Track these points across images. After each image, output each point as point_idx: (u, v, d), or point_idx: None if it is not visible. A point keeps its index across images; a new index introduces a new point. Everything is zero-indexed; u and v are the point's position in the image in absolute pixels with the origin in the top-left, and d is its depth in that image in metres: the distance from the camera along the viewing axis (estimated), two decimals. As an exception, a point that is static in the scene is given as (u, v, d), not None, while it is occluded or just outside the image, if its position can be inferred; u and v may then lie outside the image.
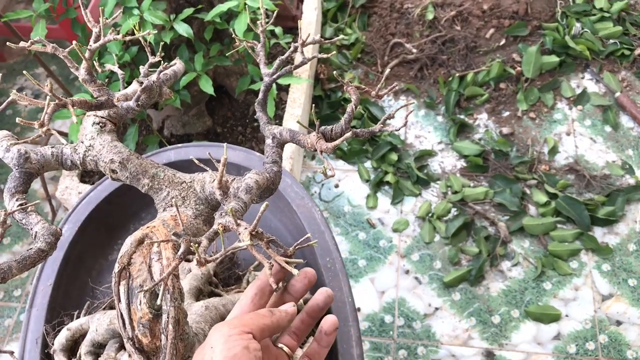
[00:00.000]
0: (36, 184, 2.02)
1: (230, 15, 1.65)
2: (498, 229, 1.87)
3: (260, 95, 0.91)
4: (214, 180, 0.87)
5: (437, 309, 1.76)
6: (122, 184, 1.32)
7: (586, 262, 1.81)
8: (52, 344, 1.07)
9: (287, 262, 0.69)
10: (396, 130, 1.09)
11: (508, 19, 2.25)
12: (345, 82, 0.83)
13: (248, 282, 1.12)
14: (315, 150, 0.84)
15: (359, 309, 1.77)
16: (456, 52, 2.21)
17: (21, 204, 0.78)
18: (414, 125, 2.14)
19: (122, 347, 1.02)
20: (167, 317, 0.76)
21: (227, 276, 1.18)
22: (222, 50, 1.69)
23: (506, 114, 2.13)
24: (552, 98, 2.16)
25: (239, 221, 0.71)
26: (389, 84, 2.15)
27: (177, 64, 0.93)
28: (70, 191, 1.78)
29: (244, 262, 1.23)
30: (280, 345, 0.79)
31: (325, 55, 0.77)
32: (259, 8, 1.58)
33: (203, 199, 0.87)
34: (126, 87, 0.82)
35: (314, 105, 0.87)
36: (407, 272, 1.83)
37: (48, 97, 0.69)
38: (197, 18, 1.65)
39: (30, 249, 0.75)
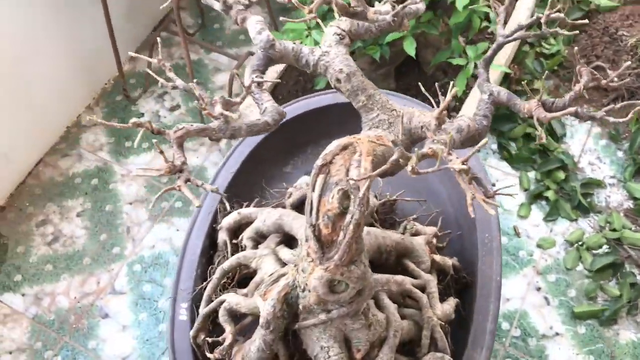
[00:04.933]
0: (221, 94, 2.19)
1: (451, -12, 1.68)
2: (648, 282, 1.77)
3: (490, 52, 0.94)
4: (420, 115, 0.91)
5: (557, 334, 1.71)
6: (311, 110, 1.42)
7: None
8: (221, 221, 1.19)
9: (484, 200, 0.72)
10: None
11: None
12: (580, 63, 0.83)
13: (405, 229, 1.16)
14: (531, 116, 0.86)
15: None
16: (660, 92, 2.09)
17: (258, 81, 0.87)
18: (591, 152, 2.05)
19: (282, 242, 1.11)
20: (351, 218, 0.83)
21: (384, 219, 1.23)
22: (432, 19, 1.73)
23: (694, 171, 1.98)
24: None
25: (450, 150, 0.75)
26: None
27: (420, 4, 0.97)
28: (253, 109, 1.92)
29: (401, 212, 1.27)
30: None
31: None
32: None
33: (407, 130, 0.91)
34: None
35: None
36: (538, 289, 1.79)
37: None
38: (421, -18, 1.69)
39: (259, 119, 0.83)
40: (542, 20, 0.92)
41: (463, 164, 0.70)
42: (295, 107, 1.38)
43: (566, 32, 0.93)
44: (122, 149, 2.08)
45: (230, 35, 2.36)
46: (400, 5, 0.82)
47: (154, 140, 0.78)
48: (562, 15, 0.93)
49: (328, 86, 1.88)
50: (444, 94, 1.50)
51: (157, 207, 1.95)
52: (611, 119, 0.87)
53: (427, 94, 0.94)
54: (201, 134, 0.78)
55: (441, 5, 1.76)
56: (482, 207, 1.19)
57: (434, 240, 1.14)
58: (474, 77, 1.89)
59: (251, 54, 2.08)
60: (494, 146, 2.06)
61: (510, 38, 0.92)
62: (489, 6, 1.71)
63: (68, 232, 1.92)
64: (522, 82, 1.01)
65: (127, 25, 2.19)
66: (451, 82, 1.69)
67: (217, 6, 0.94)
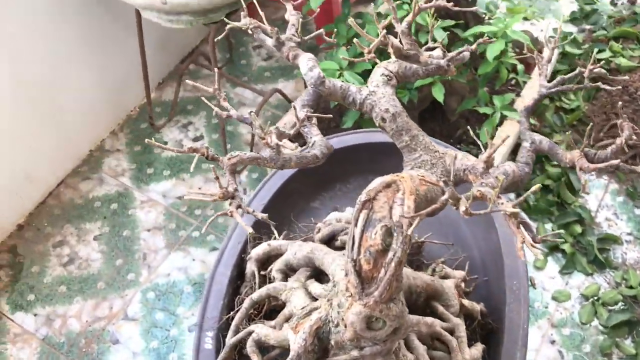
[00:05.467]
0: (244, 129, 2.22)
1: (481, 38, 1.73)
2: (663, 341, 1.75)
3: (531, 102, 0.97)
4: (463, 158, 0.93)
5: (572, 390, 1.69)
6: (343, 147, 1.44)
7: None
8: (250, 252, 1.19)
9: (532, 245, 0.73)
10: None
11: None
12: (622, 117, 0.85)
13: (434, 272, 1.17)
14: (573, 166, 0.88)
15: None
16: (678, 153, 2.11)
17: (308, 116, 0.89)
18: (608, 208, 2.07)
19: (312, 276, 1.11)
20: (393, 255, 0.83)
21: (411, 260, 1.24)
22: (460, 67, 1.77)
23: None
24: None
25: (498, 193, 0.76)
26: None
27: (467, 53, 1.00)
28: (277, 143, 1.94)
29: (428, 255, 1.28)
30: None
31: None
32: (513, 40, 1.64)
33: (449, 172, 0.93)
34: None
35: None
36: (552, 342, 1.78)
37: (383, 32, 0.79)
38: (451, 31, 1.73)
39: (308, 151, 0.85)
40: (585, 75, 0.94)
41: (513, 209, 0.72)
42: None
43: (607, 87, 0.96)
44: (144, 175, 2.10)
45: (257, 71, 2.41)
46: (456, 51, 0.85)
47: (211, 166, 0.80)
48: (604, 70, 0.96)
49: (355, 126, 1.91)
50: (468, 141, 1.51)
51: (174, 235, 1.96)
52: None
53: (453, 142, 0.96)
54: (253, 163, 0.80)
55: (470, 54, 1.81)
56: (511, 254, 1.20)
57: (462, 285, 1.14)
58: (498, 126, 1.92)
59: (277, 90, 2.12)
60: (512, 195, 2.08)
61: (552, 90, 0.95)
62: (517, 58, 1.75)
63: (84, 255, 1.92)
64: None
65: (157, 55, 2.24)
66: (484, 130, 1.72)
67: (270, 42, 0.97)
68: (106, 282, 1.86)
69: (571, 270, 1.92)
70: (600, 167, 0.84)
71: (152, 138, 2.20)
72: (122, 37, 2.08)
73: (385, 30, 0.78)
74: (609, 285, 1.89)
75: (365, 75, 1.61)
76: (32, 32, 1.79)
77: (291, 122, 2.02)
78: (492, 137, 1.82)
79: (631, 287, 1.86)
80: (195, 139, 2.20)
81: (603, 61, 2.40)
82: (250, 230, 0.74)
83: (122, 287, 1.85)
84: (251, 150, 2.13)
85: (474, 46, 0.87)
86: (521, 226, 0.74)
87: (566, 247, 1.95)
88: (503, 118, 1.90)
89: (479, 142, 0.86)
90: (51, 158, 2.03)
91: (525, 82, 1.84)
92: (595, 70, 0.95)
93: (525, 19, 1.77)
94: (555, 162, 2.23)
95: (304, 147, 0.89)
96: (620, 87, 2.33)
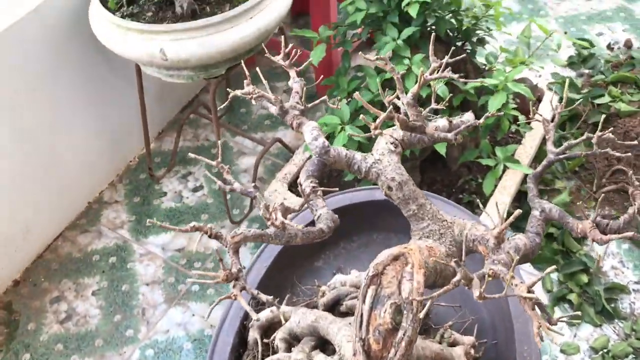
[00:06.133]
0: (244, 179, 2.21)
1: (481, 91, 1.73)
2: (677, 396, 1.71)
3: (540, 168, 0.95)
4: (472, 227, 0.91)
5: None
6: (345, 205, 1.42)
7: None
8: (252, 319, 1.16)
9: (548, 328, 0.70)
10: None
11: None
12: (634, 186, 0.84)
13: (442, 337, 1.14)
14: (585, 237, 0.86)
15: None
16: (682, 199, 2.09)
17: (314, 187, 0.87)
18: (614, 256, 2.04)
19: (316, 347, 1.08)
20: (404, 335, 0.80)
21: (418, 323, 1.20)
22: (461, 119, 1.76)
23: None
24: None
25: (512, 274, 0.73)
26: (600, 207, 2.08)
27: (468, 114, 0.99)
28: (278, 194, 1.93)
29: (435, 317, 1.25)
30: None
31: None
32: (513, 92, 1.64)
33: (458, 242, 0.91)
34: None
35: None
36: (563, 398, 1.73)
37: (390, 108, 0.78)
38: (453, 83, 1.73)
39: (313, 226, 0.83)
40: (594, 141, 0.93)
41: (529, 291, 0.69)
42: (330, 202, 1.38)
43: (617, 153, 0.94)
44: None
45: (256, 119, 2.40)
46: (464, 125, 0.83)
47: (215, 249, 0.77)
48: (612, 136, 0.95)
49: (356, 178, 1.89)
50: (470, 191, 1.48)
51: (174, 289, 1.92)
52: None
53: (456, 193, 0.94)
54: (258, 240, 0.78)
55: (471, 106, 1.80)
56: (520, 319, 1.17)
57: (472, 351, 1.11)
58: (500, 177, 1.90)
59: (278, 140, 2.11)
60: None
61: (561, 156, 0.93)
62: (517, 109, 1.75)
63: (82, 311, 1.88)
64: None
65: (157, 105, 2.24)
66: (487, 181, 1.70)
67: (273, 110, 0.96)
68: (104, 339, 1.82)
69: (579, 322, 1.88)
70: (614, 238, 0.82)
71: (152, 189, 2.18)
72: (121, 88, 2.08)
73: (392, 106, 0.76)
74: (618, 337, 1.85)
75: (366, 129, 1.60)
76: (32, 83, 1.78)
77: (292, 172, 2.01)
78: (495, 187, 1.81)
79: (641, 339, 1.82)
80: (195, 190, 2.18)
81: (602, 106, 2.41)
82: (257, 317, 0.71)
83: (120, 344, 1.81)
84: (251, 204, 2.11)
85: (482, 120, 0.86)
86: (536, 307, 0.71)
87: (573, 297, 1.91)
88: (505, 168, 1.89)
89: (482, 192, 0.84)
90: (49, 210, 2.01)
91: (525, 132, 1.83)
92: (604, 136, 0.93)
93: (522, 62, 1.78)
94: (558, 209, 2.21)
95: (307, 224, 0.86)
96: (621, 132, 2.33)
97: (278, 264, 1.28)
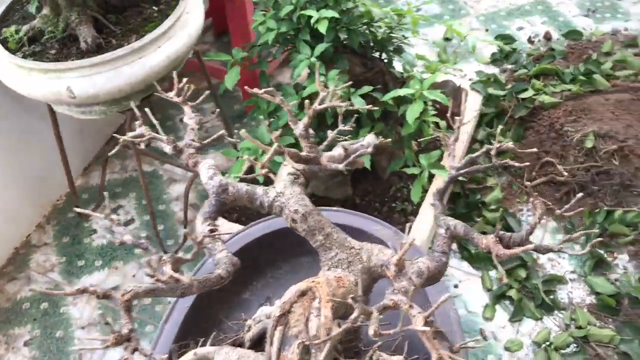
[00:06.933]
0: (176, 207, 2.16)
1: (400, 100, 1.73)
2: (619, 380, 1.74)
3: (442, 185, 0.94)
4: (379, 253, 0.89)
5: None
6: (270, 232, 1.39)
7: None
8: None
9: (450, 358, 0.69)
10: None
11: (671, 166, 2.16)
12: (533, 196, 0.83)
13: (371, 360, 1.12)
14: (489, 252, 0.85)
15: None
16: (609, 186, 2.15)
17: (212, 230, 0.85)
18: (549, 247, 2.07)
19: (242, 386, 1.04)
20: (314, 373, 0.78)
21: (348, 347, 1.18)
22: (383, 130, 1.76)
23: (650, 261, 2.02)
24: None
25: (412, 303, 0.72)
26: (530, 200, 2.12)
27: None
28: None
29: (366, 338, 1.23)
30: None
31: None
32: (430, 100, 1.64)
33: (367, 268, 0.89)
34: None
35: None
36: (510, 395, 1.74)
37: (275, 146, 0.76)
38: (371, 96, 1.73)
39: (211, 274, 0.80)
40: (492, 153, 0.93)
41: (426, 320, 0.68)
42: (254, 230, 1.35)
43: (516, 164, 0.94)
44: (74, 268, 2.00)
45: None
46: (353, 156, 0.82)
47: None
48: (511, 145, 0.95)
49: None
50: (402, 198, 1.46)
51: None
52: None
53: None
54: (150, 295, 0.74)
55: (393, 116, 1.80)
56: (447, 333, 1.16)
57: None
58: (429, 181, 1.91)
59: (207, 165, 2.07)
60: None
61: (461, 171, 0.93)
62: (437, 116, 1.76)
63: (14, 365, 1.79)
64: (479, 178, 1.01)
65: (78, 141, 2.17)
66: (414, 189, 1.70)
67: (168, 149, 0.92)
68: (40, 391, 1.74)
69: (520, 317, 1.90)
70: (516, 252, 0.81)
71: (81, 227, 2.11)
72: (38, 129, 2.00)
73: (277, 143, 0.74)
74: (559, 328, 1.87)
75: (296, 147, 1.57)
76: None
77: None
78: (425, 191, 1.82)
79: (580, 328, 1.85)
80: (127, 223, 2.11)
81: (527, 100, 2.46)
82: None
83: (58, 395, 1.73)
84: (185, 227, 2.06)
85: (383, 142, 0.84)
86: (437, 338, 0.70)
87: (513, 293, 1.93)
88: (432, 175, 1.90)
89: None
90: (-28, 262, 1.92)
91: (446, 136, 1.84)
92: (503, 147, 0.93)
93: (437, 69, 1.79)
94: (493, 207, 2.24)
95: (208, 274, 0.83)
96: (547, 124, 2.38)
97: (204, 300, 1.24)
